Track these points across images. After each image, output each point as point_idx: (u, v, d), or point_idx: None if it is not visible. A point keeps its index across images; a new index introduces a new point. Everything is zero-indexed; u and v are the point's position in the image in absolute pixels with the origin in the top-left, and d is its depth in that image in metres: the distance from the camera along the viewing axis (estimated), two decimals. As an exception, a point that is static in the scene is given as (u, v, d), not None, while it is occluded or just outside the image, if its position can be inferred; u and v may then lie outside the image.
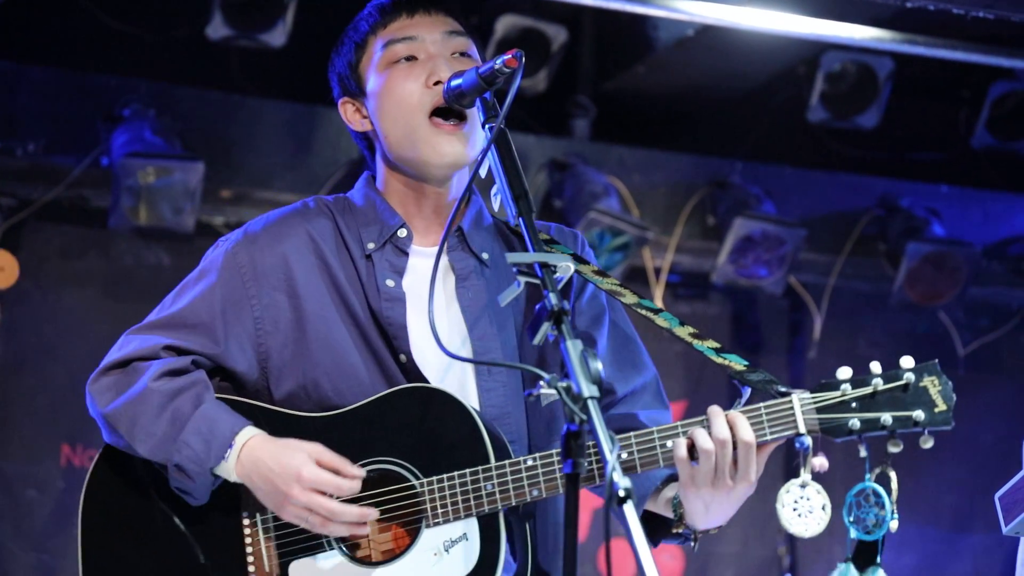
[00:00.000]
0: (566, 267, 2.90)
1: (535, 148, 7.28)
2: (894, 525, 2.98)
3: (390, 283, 3.24)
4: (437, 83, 3.22)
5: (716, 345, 3.19)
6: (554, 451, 3.08)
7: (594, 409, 2.63)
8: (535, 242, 2.95)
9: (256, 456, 3.10)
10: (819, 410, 3.02)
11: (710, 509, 3.09)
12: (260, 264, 3.26)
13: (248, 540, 3.19)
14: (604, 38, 7.40)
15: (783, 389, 3.06)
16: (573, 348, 2.72)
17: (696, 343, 3.20)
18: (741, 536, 7.38)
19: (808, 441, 3.01)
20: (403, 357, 3.20)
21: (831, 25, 6.33)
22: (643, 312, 3.24)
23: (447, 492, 3.08)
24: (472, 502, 3.07)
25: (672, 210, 7.46)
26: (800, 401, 3.02)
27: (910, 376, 3.02)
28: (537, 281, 2.89)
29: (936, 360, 3.05)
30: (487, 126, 3.08)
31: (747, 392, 3.11)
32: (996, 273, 7.83)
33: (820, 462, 3.02)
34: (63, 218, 6.70)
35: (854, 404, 3.01)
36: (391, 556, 3.11)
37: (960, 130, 7.67)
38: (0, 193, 6.57)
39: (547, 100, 7.20)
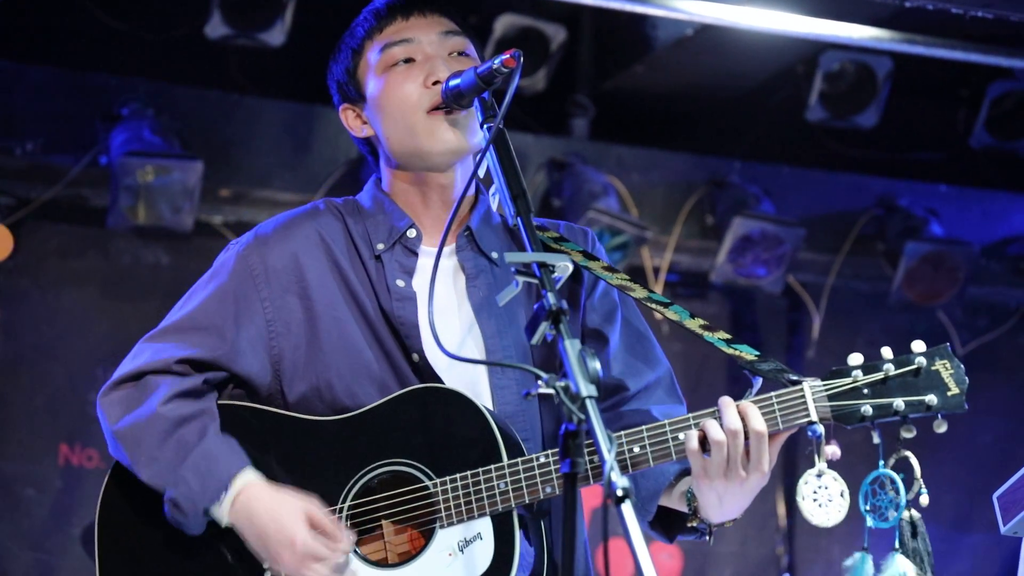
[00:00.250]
0: (564, 267, 2.90)
1: (534, 147, 7.28)
2: (924, 500, 2.96)
3: (400, 283, 3.24)
4: (435, 83, 3.22)
5: (727, 336, 3.19)
6: None
7: (592, 408, 2.63)
8: (533, 242, 2.95)
9: (251, 509, 3.11)
10: (831, 397, 3.01)
11: (724, 501, 3.08)
12: (271, 266, 3.26)
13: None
14: (603, 37, 7.40)
15: (794, 378, 3.06)
16: (571, 347, 2.72)
17: (707, 335, 3.20)
18: (740, 535, 7.38)
19: (820, 429, 2.99)
20: (415, 356, 3.20)
21: (830, 25, 6.32)
22: (653, 306, 3.24)
23: (460, 492, 3.08)
24: (485, 501, 3.07)
25: (671, 209, 7.46)
26: (811, 389, 3.01)
27: (921, 360, 3.01)
28: (535, 280, 2.88)
29: (947, 343, 3.04)
30: (485, 126, 3.08)
31: (758, 382, 3.11)
32: (995, 272, 7.83)
33: (832, 450, 3.01)
34: (62, 217, 6.70)
35: (866, 390, 3.01)
36: (407, 558, 3.11)
37: (959, 130, 7.67)
38: (-1, 192, 6.58)
39: (546, 99, 7.19)
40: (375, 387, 3.19)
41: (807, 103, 7.25)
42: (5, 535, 6.45)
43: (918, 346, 3.02)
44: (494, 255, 3.30)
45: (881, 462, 2.98)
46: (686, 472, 3.20)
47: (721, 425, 3.01)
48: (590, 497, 3.33)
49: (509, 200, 3.00)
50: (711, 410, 3.05)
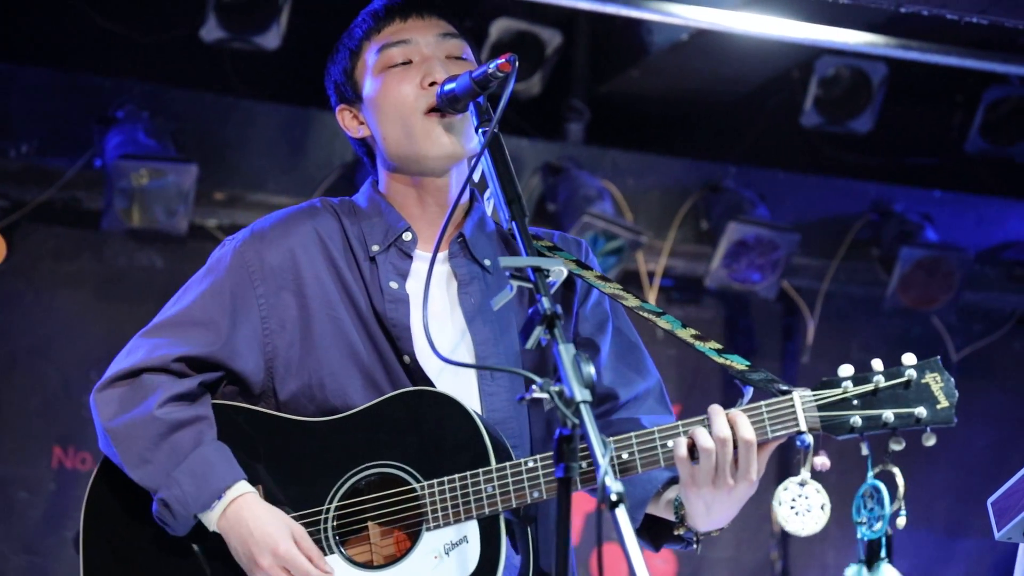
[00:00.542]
0: (559, 271, 2.90)
1: (529, 152, 7.28)
2: (901, 522, 2.96)
3: (394, 285, 3.24)
4: (432, 84, 3.23)
5: (718, 346, 3.20)
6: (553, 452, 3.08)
7: (586, 413, 2.63)
8: (528, 246, 2.95)
9: (241, 516, 3.11)
10: (820, 408, 3.01)
11: (711, 509, 3.08)
12: (268, 263, 3.26)
13: None
14: (598, 42, 7.40)
15: (784, 387, 3.05)
16: (566, 352, 2.72)
17: (698, 344, 3.20)
18: (734, 540, 7.38)
19: (809, 439, 2.99)
20: (407, 358, 3.20)
21: (825, 30, 6.33)
22: (646, 315, 3.25)
23: (447, 495, 3.08)
24: (472, 504, 3.07)
25: (666, 214, 7.47)
26: (801, 399, 3.01)
27: (912, 373, 3.00)
28: (530, 285, 2.89)
29: (938, 356, 3.03)
30: (480, 130, 3.08)
31: (749, 392, 3.11)
32: (989, 278, 7.84)
33: (821, 461, 3.00)
34: (56, 219, 6.69)
35: (855, 401, 3.00)
36: (392, 560, 3.11)
37: (954, 135, 7.68)
38: (-7, 194, 6.57)
39: (541, 104, 7.20)
40: (367, 387, 3.20)
41: (802, 108, 7.26)
42: (-2, 538, 6.45)
43: (909, 358, 3.02)
44: (487, 262, 3.30)
45: (869, 473, 2.98)
46: (674, 480, 3.20)
47: (710, 433, 3.01)
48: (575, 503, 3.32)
49: (504, 204, 3.00)
50: (700, 418, 3.05)
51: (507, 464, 3.07)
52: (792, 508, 2.99)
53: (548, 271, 2.89)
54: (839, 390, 3.01)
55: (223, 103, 6.89)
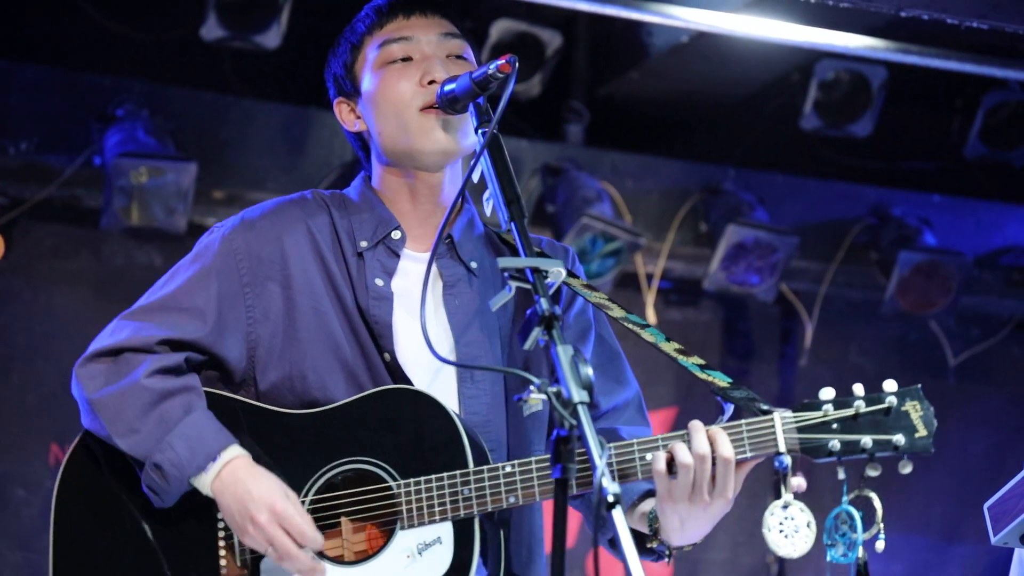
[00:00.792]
0: (557, 272, 2.91)
1: (528, 153, 7.28)
2: (880, 545, 2.97)
3: (379, 282, 3.25)
4: (431, 83, 3.23)
5: (701, 362, 3.20)
6: (532, 459, 3.09)
7: (584, 414, 2.63)
8: (527, 247, 2.95)
9: (238, 476, 3.10)
10: (800, 430, 3.02)
11: (686, 525, 3.09)
12: (256, 252, 3.27)
13: (221, 535, 3.18)
14: (598, 44, 7.40)
15: (765, 407, 3.06)
16: (564, 353, 2.72)
17: (681, 359, 3.21)
18: (730, 543, 7.38)
19: (788, 460, 3.00)
20: (387, 356, 3.20)
21: (825, 33, 6.33)
22: (630, 326, 3.25)
23: (424, 495, 3.08)
24: (448, 506, 3.07)
25: (665, 216, 7.47)
26: (782, 420, 3.02)
27: (892, 400, 3.01)
28: (528, 286, 2.89)
29: (919, 385, 3.04)
30: (480, 131, 3.08)
31: (730, 409, 3.12)
32: (988, 283, 7.84)
33: (798, 482, 3.02)
34: (55, 217, 6.69)
35: (835, 425, 3.02)
36: (364, 556, 3.11)
37: (953, 139, 7.68)
38: (-8, 192, 6.57)
39: (541, 105, 7.20)
40: (348, 381, 3.20)
41: (802, 111, 7.26)
42: (-6, 535, 6.45)
43: (890, 385, 3.03)
44: (473, 265, 3.31)
45: (844, 498, 2.99)
46: (650, 493, 3.21)
47: (690, 448, 3.01)
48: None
49: (503, 205, 3.00)
50: (680, 433, 3.06)
51: (484, 468, 3.08)
52: (781, 531, 3.00)
53: (547, 272, 2.89)
54: (819, 413, 3.02)
55: (223, 102, 6.89)
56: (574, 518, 3.09)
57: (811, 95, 7.22)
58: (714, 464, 3.01)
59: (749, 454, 3.02)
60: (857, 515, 2.98)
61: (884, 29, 6.45)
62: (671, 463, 3.02)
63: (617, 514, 2.54)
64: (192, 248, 3.38)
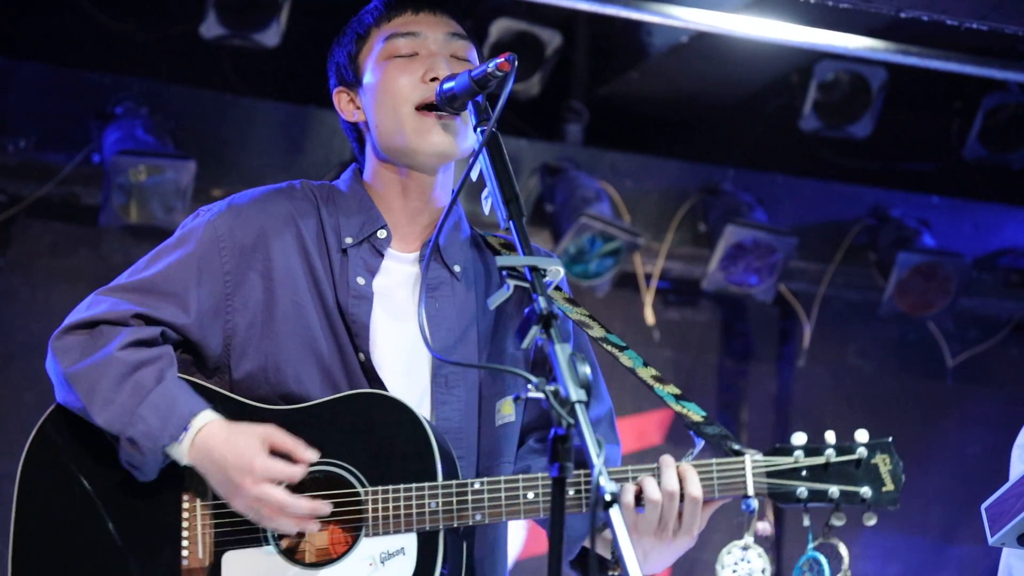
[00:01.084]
0: (556, 271, 2.91)
1: (527, 152, 7.28)
2: None
3: (360, 280, 3.24)
4: (433, 80, 3.23)
5: (676, 392, 3.19)
6: (502, 478, 3.08)
7: (581, 413, 2.63)
8: (525, 245, 2.94)
9: (210, 445, 3.08)
10: (770, 475, 3.03)
11: (648, 557, 3.09)
12: (239, 240, 3.25)
13: (185, 526, 3.17)
14: (598, 43, 7.40)
15: (737, 447, 3.07)
16: (561, 352, 2.72)
17: (657, 387, 3.20)
18: (727, 542, 7.36)
19: (755, 504, 3.02)
20: (362, 356, 3.20)
21: (825, 34, 6.33)
22: (608, 348, 3.24)
23: (390, 504, 3.07)
24: (414, 517, 3.06)
25: (664, 216, 7.47)
26: (752, 463, 3.03)
27: (863, 452, 3.02)
28: (526, 284, 2.89)
29: (890, 438, 3.05)
30: (479, 129, 3.08)
31: (700, 444, 3.12)
32: (986, 284, 7.84)
33: (763, 526, 3.03)
34: (54, 215, 6.69)
35: (804, 472, 3.03)
36: (326, 559, 3.10)
37: (952, 141, 7.68)
38: (-9, 189, 6.57)
39: (540, 104, 7.20)
40: (322, 377, 3.19)
41: (801, 112, 7.26)
42: (-8, 532, 6.44)
43: (861, 436, 3.04)
44: (457, 269, 3.30)
45: (810, 545, 3.00)
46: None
47: (659, 484, 3.02)
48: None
49: (502, 204, 3.00)
50: (651, 467, 3.05)
51: (453, 483, 3.07)
52: (734, 572, 3.01)
53: (545, 271, 2.89)
54: (790, 459, 3.04)
55: (222, 100, 6.89)
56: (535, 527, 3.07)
57: (810, 96, 7.21)
58: (682, 501, 3.02)
59: (717, 495, 3.04)
60: (825, 561, 2.99)
61: (884, 30, 6.45)
62: (639, 496, 3.02)
63: (614, 512, 2.54)
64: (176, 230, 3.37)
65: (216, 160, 6.79)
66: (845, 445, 3.03)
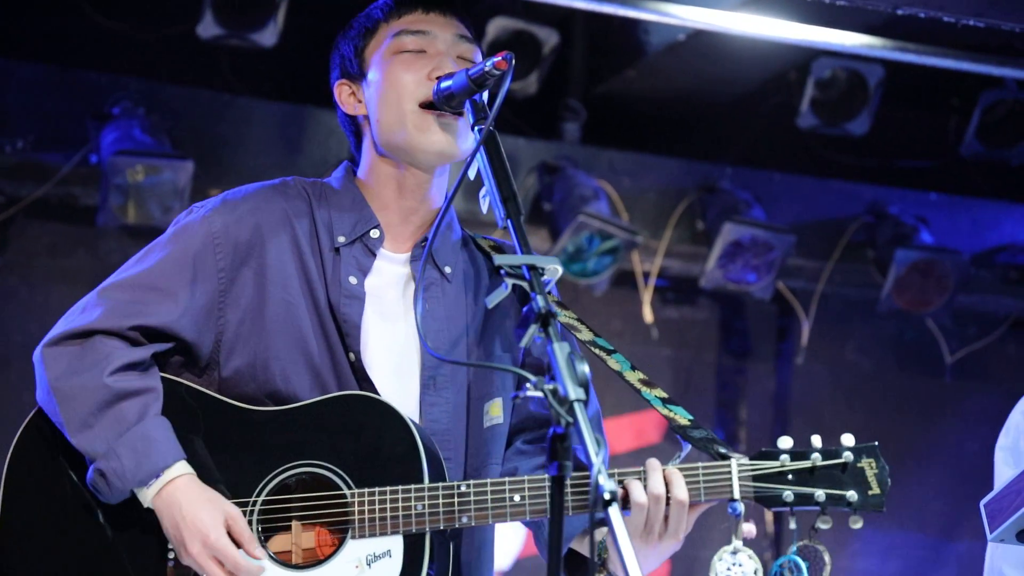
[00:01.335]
0: (554, 270, 2.90)
1: (525, 151, 7.28)
2: None
3: (353, 280, 3.23)
4: (439, 78, 3.22)
5: (664, 395, 3.20)
6: (488, 480, 3.08)
7: (580, 412, 2.63)
8: (523, 244, 2.94)
9: (175, 499, 3.07)
10: (756, 478, 3.04)
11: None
12: (233, 236, 3.24)
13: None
14: (595, 42, 7.40)
15: (723, 451, 3.08)
16: (560, 351, 2.72)
17: (644, 391, 3.21)
18: (725, 540, 7.37)
19: (741, 508, 3.03)
20: (352, 356, 3.19)
21: (822, 32, 6.34)
22: (596, 351, 3.25)
23: (376, 506, 3.06)
24: (400, 520, 3.06)
25: (662, 214, 7.47)
26: (739, 467, 3.04)
27: (849, 456, 3.04)
28: (525, 284, 2.88)
29: (876, 442, 3.06)
30: (476, 128, 3.08)
31: (687, 448, 3.12)
32: (984, 281, 7.84)
33: (748, 528, 3.04)
34: (51, 215, 6.69)
35: (790, 476, 3.04)
36: (313, 561, 3.09)
37: (950, 138, 7.68)
38: (-12, 190, 6.57)
39: (538, 103, 7.20)
40: (311, 376, 3.19)
41: (798, 110, 7.26)
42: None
43: (848, 440, 3.06)
44: (447, 270, 3.30)
45: (793, 546, 3.02)
46: (603, 522, 3.21)
47: (645, 488, 3.03)
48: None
49: (499, 202, 2.99)
50: (637, 470, 3.06)
51: (440, 485, 3.07)
52: None
53: (543, 269, 2.89)
54: (776, 463, 3.05)
55: (219, 100, 6.89)
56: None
57: (808, 93, 7.21)
58: (668, 504, 3.02)
59: (703, 498, 3.04)
60: (803, 565, 3.00)
61: (881, 27, 6.45)
62: (626, 499, 3.03)
63: (613, 511, 2.53)
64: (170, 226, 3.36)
65: (214, 160, 6.79)
66: (831, 449, 3.05)
